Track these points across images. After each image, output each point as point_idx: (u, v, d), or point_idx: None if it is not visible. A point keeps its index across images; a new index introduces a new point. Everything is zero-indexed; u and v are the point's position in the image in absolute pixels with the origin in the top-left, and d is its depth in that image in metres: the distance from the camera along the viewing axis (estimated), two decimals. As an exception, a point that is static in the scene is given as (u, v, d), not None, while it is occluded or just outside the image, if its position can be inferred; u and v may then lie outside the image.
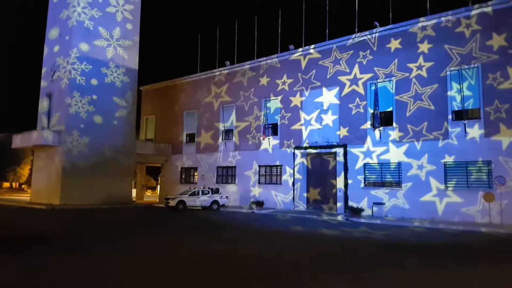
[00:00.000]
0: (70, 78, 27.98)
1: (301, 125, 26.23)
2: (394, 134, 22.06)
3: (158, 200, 34.41)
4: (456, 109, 20.24)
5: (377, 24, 23.34)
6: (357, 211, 21.44)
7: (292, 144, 26.46)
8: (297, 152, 26.08)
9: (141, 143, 34.04)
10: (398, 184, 21.61)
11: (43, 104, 30.23)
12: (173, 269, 8.12)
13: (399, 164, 21.70)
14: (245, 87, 29.85)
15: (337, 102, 24.63)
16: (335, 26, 27.78)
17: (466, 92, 19.84)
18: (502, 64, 18.89)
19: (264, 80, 28.73)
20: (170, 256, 9.59)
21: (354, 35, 24.29)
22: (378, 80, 22.85)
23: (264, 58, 28.85)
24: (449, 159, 20.03)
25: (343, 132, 24.12)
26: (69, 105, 27.78)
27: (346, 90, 24.27)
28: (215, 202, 25.82)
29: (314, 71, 26.00)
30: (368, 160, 22.88)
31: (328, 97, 25.10)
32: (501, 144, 18.59)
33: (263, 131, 27.94)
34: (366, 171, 22.98)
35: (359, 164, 23.16)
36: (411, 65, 21.72)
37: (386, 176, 22.26)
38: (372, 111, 22.87)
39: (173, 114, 34.76)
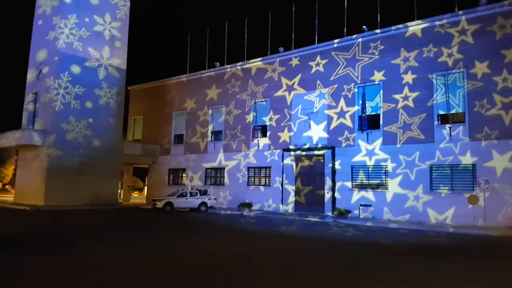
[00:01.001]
0: (54, 78, 27.65)
1: (290, 127, 26.35)
2: (381, 136, 22.30)
3: (145, 202, 34.14)
4: (442, 112, 20.58)
5: (365, 29, 23.62)
6: (344, 213, 21.63)
7: (281, 146, 26.54)
8: (286, 154, 26.17)
9: (129, 143, 33.74)
10: (385, 186, 21.86)
11: (29, 104, 29.76)
12: (158, 271, 8.06)
13: (385, 166, 21.96)
14: (235, 88, 29.85)
15: (326, 104, 24.81)
16: (325, 29, 27.99)
17: (452, 96, 20.19)
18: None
19: (253, 82, 28.79)
20: (152, 258, 9.49)
21: (342, 39, 24.54)
22: (367, 84, 23.10)
23: (254, 60, 28.92)
24: (434, 161, 20.34)
25: (331, 134, 24.30)
26: (55, 104, 27.39)
27: (335, 93, 24.47)
28: (203, 203, 25.72)
29: (303, 73, 26.15)
30: (355, 162, 23.09)
31: (317, 99, 25.26)
32: (485, 148, 18.95)
33: (252, 133, 27.97)
34: (353, 173, 23.18)
35: (347, 166, 23.34)
36: (399, 68, 22.03)
37: (373, 178, 22.49)
38: (360, 114, 23.11)
39: (162, 115, 34.56)
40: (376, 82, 22.84)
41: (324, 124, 24.77)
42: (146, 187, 37.26)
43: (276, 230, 16.20)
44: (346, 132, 23.72)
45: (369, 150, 22.63)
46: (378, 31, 23.03)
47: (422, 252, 11.39)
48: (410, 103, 21.46)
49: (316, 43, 25.95)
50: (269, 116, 27.58)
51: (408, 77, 21.69)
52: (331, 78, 24.75)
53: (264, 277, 7.66)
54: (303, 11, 27.73)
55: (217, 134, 30.76)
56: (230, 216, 22.81)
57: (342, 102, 24.11)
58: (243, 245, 11.88)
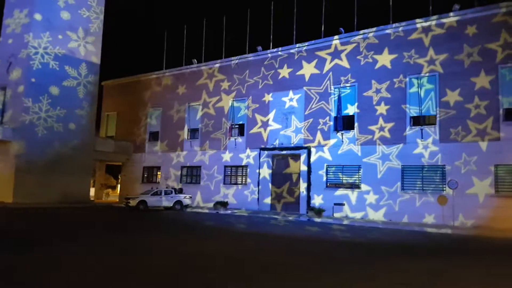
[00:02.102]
0: (28, 74, 26.75)
1: (267, 126, 26.49)
2: (355, 137, 22.78)
3: (118, 200, 33.47)
4: (414, 115, 21.23)
5: (342, 30, 24.03)
6: (319, 212, 21.97)
7: (257, 145, 26.64)
8: (262, 153, 26.29)
9: (101, 140, 32.98)
10: (358, 186, 22.35)
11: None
12: (126, 271, 7.96)
13: (359, 166, 22.45)
14: (212, 86, 29.71)
15: (302, 105, 25.09)
16: (303, 29, 28.26)
17: (424, 99, 20.87)
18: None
19: (231, 80, 28.74)
20: (121, 258, 9.35)
21: (319, 40, 24.89)
22: (342, 85, 23.53)
23: (232, 58, 28.88)
24: (406, 162, 20.96)
25: (307, 134, 24.60)
26: (24, 99, 26.46)
27: (311, 93, 24.78)
28: (178, 202, 25.46)
29: (280, 73, 26.34)
30: (330, 162, 23.48)
31: (294, 99, 25.51)
32: (454, 149, 19.69)
33: (229, 132, 27.94)
34: (328, 173, 23.57)
35: (322, 166, 23.71)
36: (369, 70, 22.56)
37: (347, 178, 22.95)
38: (335, 115, 23.52)
39: (136, 111, 33.93)
40: (349, 85, 23.29)
41: (300, 124, 25.04)
42: (119, 185, 36.50)
43: (250, 229, 16.26)
44: (322, 132, 24.07)
45: (344, 150, 23.06)
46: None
47: (393, 250, 11.74)
48: (384, 105, 22.01)
49: (294, 43, 26.19)
50: (246, 115, 27.62)
51: (382, 81, 22.23)
52: (308, 79, 25.04)
53: (242, 277, 7.69)
54: (281, 11, 27.86)
55: (193, 132, 30.52)
56: (205, 215, 22.72)
57: (318, 103, 24.45)
58: (215, 244, 11.86)
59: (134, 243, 11.53)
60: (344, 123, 23.30)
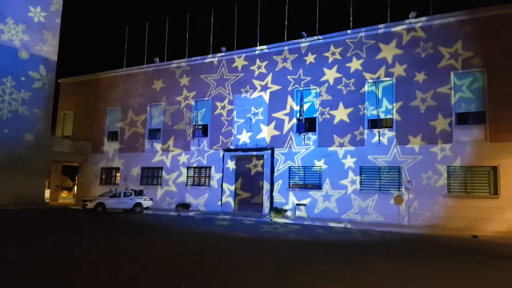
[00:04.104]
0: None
1: (231, 127, 26.39)
2: (316, 139, 23.17)
3: (74, 202, 32.16)
4: (372, 117, 21.88)
5: (304, 34, 24.37)
6: (281, 212, 22.16)
7: (221, 146, 26.48)
8: (226, 154, 26.15)
9: (57, 140, 31.58)
10: (319, 186, 22.74)
11: None
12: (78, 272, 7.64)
13: (320, 168, 22.84)
14: (175, 86, 29.22)
15: (266, 106, 25.21)
16: (267, 30, 28.39)
17: (382, 102, 21.57)
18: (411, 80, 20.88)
19: (194, 80, 28.39)
20: (72, 260, 8.98)
21: (283, 43, 25.12)
22: (304, 88, 23.86)
23: (195, 58, 28.55)
24: (364, 164, 21.56)
25: (270, 136, 24.74)
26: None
27: (275, 94, 24.95)
28: (138, 204, 24.80)
29: (245, 74, 26.33)
30: (292, 163, 23.74)
31: (258, 101, 25.58)
32: (410, 151, 20.46)
33: (192, 132, 27.57)
34: (290, 174, 23.82)
35: (285, 167, 23.93)
36: (331, 73, 23.04)
37: (309, 179, 23.29)
38: (297, 117, 23.82)
39: (95, 110, 32.77)
40: (311, 88, 23.68)
41: (264, 125, 25.14)
42: (76, 187, 35.09)
43: (210, 230, 16.09)
44: (284, 134, 24.29)
45: (306, 152, 23.39)
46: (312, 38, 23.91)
47: (350, 250, 12.00)
48: (343, 107, 22.52)
49: (258, 45, 26.27)
50: (210, 116, 27.37)
51: (341, 84, 22.75)
52: (272, 80, 25.19)
53: (193, 277, 7.56)
54: (246, 12, 27.88)
55: (155, 132, 29.87)
56: (166, 217, 22.27)
57: (281, 105, 24.65)
58: (174, 246, 11.65)
59: (81, 244, 11.08)
60: (307, 125, 23.64)
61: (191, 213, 24.23)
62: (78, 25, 66.44)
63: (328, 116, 23.00)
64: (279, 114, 24.66)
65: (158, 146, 29.21)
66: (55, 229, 15.67)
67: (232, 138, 26.18)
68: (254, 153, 25.19)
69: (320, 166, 22.86)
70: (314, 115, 23.60)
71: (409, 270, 8.89)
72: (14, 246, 10.90)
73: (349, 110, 22.40)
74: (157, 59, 30.21)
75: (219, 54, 27.50)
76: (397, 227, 18.60)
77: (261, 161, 25.16)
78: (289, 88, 24.52)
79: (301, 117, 23.38)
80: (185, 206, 25.59)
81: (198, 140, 27.42)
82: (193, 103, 28.06)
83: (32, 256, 9.46)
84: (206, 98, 27.68)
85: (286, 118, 24.40)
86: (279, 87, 24.87)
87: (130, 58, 31.94)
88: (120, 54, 32.21)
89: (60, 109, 35.27)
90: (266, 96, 25.30)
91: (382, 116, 21.60)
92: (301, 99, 23.42)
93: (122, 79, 32.07)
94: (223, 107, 26.83)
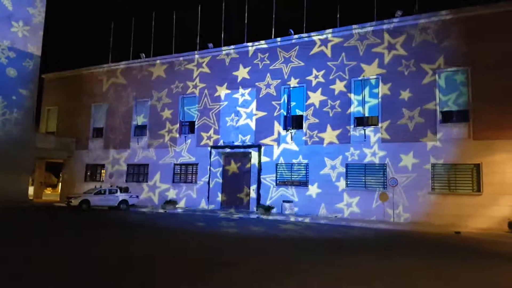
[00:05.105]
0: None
1: (218, 124, 26.27)
2: (304, 136, 23.23)
3: (59, 199, 31.69)
4: (358, 116, 22.01)
5: (292, 32, 24.37)
6: (268, 209, 22.18)
7: (208, 143, 26.35)
8: (213, 151, 26.03)
9: (41, 136, 31.04)
10: (306, 183, 22.82)
11: None
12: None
13: (307, 165, 22.92)
14: (161, 82, 28.93)
15: (254, 103, 25.16)
16: (254, 27, 28.32)
17: (367, 101, 21.72)
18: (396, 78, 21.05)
19: (181, 77, 28.16)
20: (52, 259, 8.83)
21: (270, 40, 25.08)
22: (291, 85, 23.87)
23: (182, 54, 28.30)
24: (350, 161, 21.71)
25: (258, 132, 24.71)
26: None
27: (262, 92, 24.92)
28: (123, 201, 24.55)
29: (232, 71, 26.21)
30: (280, 160, 23.77)
31: (245, 97, 25.51)
32: (395, 149, 20.66)
33: (179, 129, 27.37)
34: (278, 171, 23.84)
35: (272, 164, 23.94)
36: (320, 73, 23.11)
37: (296, 176, 23.35)
38: (285, 114, 23.84)
39: (79, 106, 32.26)
40: (298, 85, 23.71)
41: (251, 122, 25.10)
42: (60, 184, 34.57)
43: (195, 227, 16.02)
44: (272, 130, 24.28)
45: (293, 149, 23.43)
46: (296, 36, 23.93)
47: (336, 246, 12.08)
48: (330, 105, 22.61)
49: (245, 41, 26.17)
50: (196, 112, 27.20)
51: (329, 83, 22.83)
52: (260, 77, 25.14)
53: (182, 276, 7.50)
54: (233, 8, 27.76)
55: (141, 129, 29.56)
56: (151, 214, 22.10)
57: (269, 102, 24.63)
58: (154, 243, 11.56)
59: (61, 243, 10.91)
60: (294, 122, 23.67)
61: (177, 210, 24.08)
62: (63, 20, 65.28)
63: (315, 113, 23.05)
64: (266, 111, 24.61)
65: (144, 142, 28.92)
66: (36, 227, 15.40)
67: (220, 134, 26.07)
68: (241, 150, 25.13)
69: (307, 163, 22.93)
70: (301, 112, 23.64)
71: (390, 266, 8.97)
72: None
73: (336, 107, 22.48)
74: (143, 54, 29.88)
75: (206, 50, 27.31)
76: (381, 223, 18.78)
77: (248, 158, 25.12)
78: (277, 85, 24.47)
79: (288, 114, 23.40)
80: (172, 203, 25.41)
81: (185, 137, 27.24)
82: (179, 99, 27.83)
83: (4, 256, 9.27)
84: (193, 95, 27.48)
85: (274, 115, 24.37)
86: (267, 83, 24.83)
87: (115, 54, 31.49)
88: (105, 49, 31.74)
89: (44, 104, 34.65)
90: (254, 92, 25.23)
91: (367, 114, 21.74)
92: (289, 97, 23.43)
93: (107, 75, 31.62)
94: (210, 104, 26.68)
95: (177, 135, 27.48)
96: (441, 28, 20.36)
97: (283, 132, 23.91)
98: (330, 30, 23.16)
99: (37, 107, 30.20)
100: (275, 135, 24.14)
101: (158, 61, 29.25)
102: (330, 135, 22.47)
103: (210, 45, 27.15)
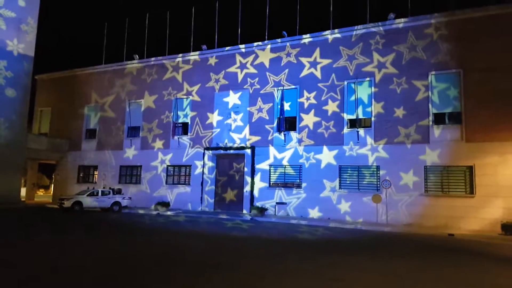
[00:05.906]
0: None
1: (212, 125, 26.17)
2: (297, 138, 23.19)
3: (51, 200, 31.42)
4: (351, 118, 22.01)
5: (285, 34, 24.35)
6: (261, 211, 22.12)
7: (202, 144, 26.24)
8: (206, 152, 25.92)
9: (34, 137, 30.74)
10: (299, 185, 22.77)
11: None
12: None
13: (300, 166, 22.87)
14: (155, 83, 28.80)
15: (247, 104, 25.10)
16: (248, 29, 28.29)
17: (360, 102, 21.72)
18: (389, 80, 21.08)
19: (175, 78, 28.05)
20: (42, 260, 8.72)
21: (263, 42, 25.05)
22: (285, 87, 23.84)
23: (176, 55, 28.20)
24: (343, 163, 21.68)
25: (251, 134, 24.64)
26: None
27: (255, 94, 24.86)
28: (116, 203, 24.39)
29: (225, 72, 26.15)
30: (273, 162, 23.70)
31: (238, 99, 25.44)
32: (388, 151, 20.66)
33: (172, 130, 27.24)
34: (271, 172, 23.77)
35: (265, 165, 23.87)
36: (314, 74, 23.11)
37: (289, 178, 23.29)
38: (278, 116, 23.79)
39: (72, 108, 32.04)
40: (292, 87, 23.69)
41: (245, 124, 25.02)
42: (53, 185, 34.29)
43: (189, 229, 15.92)
44: (265, 132, 24.23)
45: (287, 151, 23.38)
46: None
47: (332, 247, 12.03)
48: (324, 107, 22.60)
49: (238, 43, 26.13)
50: (190, 114, 27.09)
51: (323, 83, 22.83)
52: (253, 79, 25.09)
53: (176, 278, 7.42)
54: (226, 10, 27.72)
55: (134, 130, 29.39)
56: (144, 216, 21.94)
57: (262, 104, 24.58)
58: (151, 246, 11.46)
59: (51, 245, 10.77)
60: (287, 123, 23.63)
61: (170, 212, 23.94)
62: (56, 20, 64.92)
63: (309, 115, 23.03)
64: (260, 112, 24.56)
65: (137, 144, 28.76)
66: (27, 229, 15.23)
67: (213, 136, 25.97)
68: (235, 151, 25.05)
69: (301, 165, 22.89)
70: (295, 115, 23.60)
71: (384, 267, 8.93)
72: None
73: (329, 109, 22.48)
74: (137, 56, 29.75)
75: (200, 52, 27.23)
76: (375, 225, 18.75)
77: (241, 160, 25.03)
78: (270, 87, 24.44)
79: (282, 116, 23.33)
80: (165, 204, 25.26)
81: (178, 138, 27.11)
82: (173, 100, 27.71)
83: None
84: (186, 96, 27.37)
85: (267, 117, 24.33)
86: (260, 85, 24.80)
87: (109, 55, 31.33)
88: (99, 50, 31.58)
89: (37, 105, 34.39)
90: (247, 94, 25.17)
91: (360, 116, 21.74)
92: (282, 98, 23.37)
93: (100, 76, 31.44)
94: (204, 105, 26.58)
95: (171, 137, 27.34)
96: (430, 33, 20.41)
97: (277, 134, 23.85)
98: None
99: (29, 108, 29.89)
100: (269, 137, 24.08)
101: (150, 63, 29.11)
102: (323, 136, 22.43)
103: (204, 46, 27.06)
